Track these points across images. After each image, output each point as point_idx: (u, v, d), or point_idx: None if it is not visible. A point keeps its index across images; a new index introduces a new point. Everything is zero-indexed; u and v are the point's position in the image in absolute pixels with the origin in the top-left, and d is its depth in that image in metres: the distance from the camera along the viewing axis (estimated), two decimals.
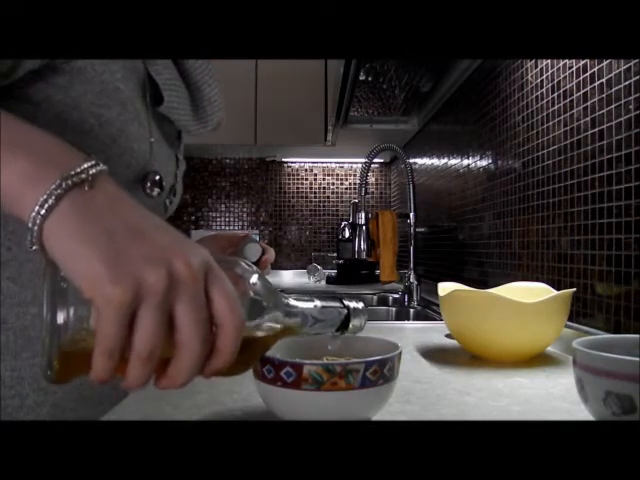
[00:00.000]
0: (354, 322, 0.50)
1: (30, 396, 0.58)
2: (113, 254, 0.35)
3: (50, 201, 0.35)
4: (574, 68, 0.95)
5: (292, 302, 0.46)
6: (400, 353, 0.50)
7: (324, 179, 2.98)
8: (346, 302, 0.50)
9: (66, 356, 0.37)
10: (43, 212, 0.35)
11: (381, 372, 0.47)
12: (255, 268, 0.45)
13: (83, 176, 0.36)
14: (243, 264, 0.44)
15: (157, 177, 0.65)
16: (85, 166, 0.37)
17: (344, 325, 0.50)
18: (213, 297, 0.37)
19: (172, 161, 0.72)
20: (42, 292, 0.39)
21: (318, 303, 0.48)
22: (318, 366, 0.45)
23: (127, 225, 0.36)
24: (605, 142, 0.85)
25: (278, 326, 0.45)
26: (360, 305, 0.51)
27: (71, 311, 0.38)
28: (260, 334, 0.44)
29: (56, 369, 0.37)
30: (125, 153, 0.60)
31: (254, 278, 0.44)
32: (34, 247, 0.36)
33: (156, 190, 0.65)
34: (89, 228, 0.35)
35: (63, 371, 0.38)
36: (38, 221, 0.35)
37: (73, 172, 0.36)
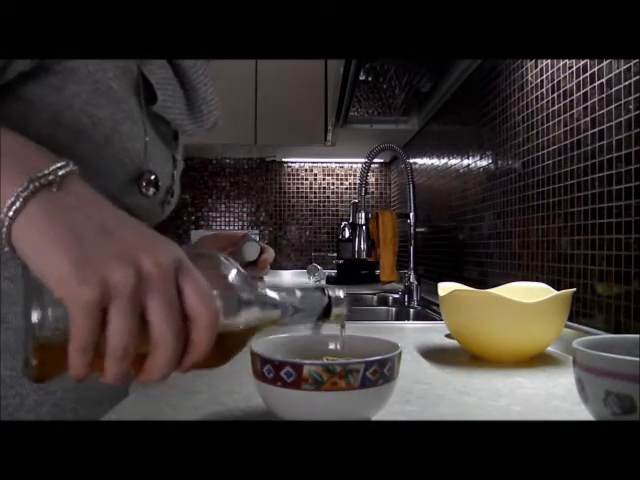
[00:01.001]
0: (335, 311, 0.50)
1: (30, 395, 0.58)
2: (81, 254, 0.35)
3: (17, 203, 0.35)
4: (574, 68, 0.95)
5: (271, 293, 0.46)
6: (400, 353, 0.50)
7: (324, 179, 2.98)
8: (327, 291, 0.50)
9: (43, 354, 0.38)
10: (11, 214, 0.35)
11: (381, 372, 0.47)
12: (233, 261, 0.45)
13: (51, 177, 0.37)
14: (222, 259, 0.45)
15: (152, 177, 0.64)
16: (53, 167, 0.37)
17: (325, 314, 0.49)
18: (185, 292, 0.37)
19: (169, 161, 0.72)
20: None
21: (298, 293, 0.48)
22: (318, 366, 0.45)
23: (96, 225, 0.37)
24: (605, 142, 0.85)
25: (257, 318, 0.44)
26: (341, 293, 0.50)
27: (48, 310, 0.38)
28: (238, 327, 0.43)
29: (34, 366, 0.38)
30: (119, 152, 0.60)
31: (232, 272, 0.44)
32: (5, 248, 0.36)
33: (152, 190, 0.64)
34: (57, 229, 0.36)
35: (42, 369, 0.38)
36: (6, 223, 0.36)
37: (41, 174, 0.36)
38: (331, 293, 0.50)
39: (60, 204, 0.37)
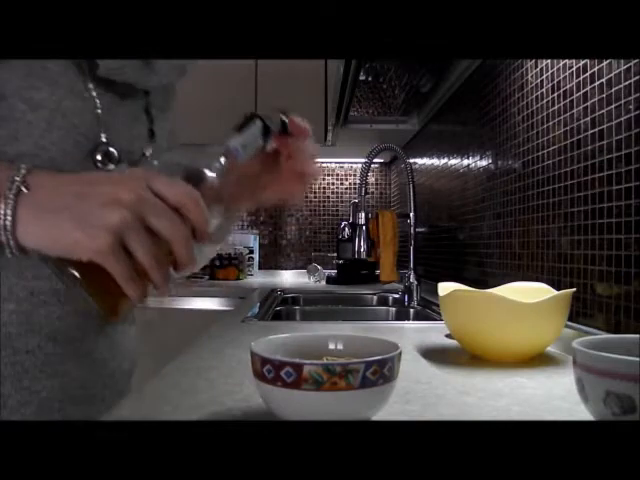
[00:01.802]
0: (271, 124, 0.54)
1: (13, 396, 0.57)
2: (77, 221, 0.43)
3: (9, 218, 0.43)
4: (574, 68, 0.95)
5: (215, 148, 0.52)
6: (400, 353, 0.50)
7: (324, 179, 2.98)
8: (254, 117, 0.55)
9: (101, 300, 0.47)
10: (9, 227, 0.43)
11: (381, 372, 0.47)
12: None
13: (17, 184, 0.44)
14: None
15: (109, 149, 0.62)
16: (13, 178, 0.44)
17: (266, 133, 0.55)
18: (163, 194, 0.44)
19: (138, 132, 0.68)
20: (19, 288, 0.53)
21: (237, 136, 0.55)
22: (318, 366, 0.45)
23: (71, 194, 0.44)
24: (605, 142, 0.85)
25: (223, 167, 0.51)
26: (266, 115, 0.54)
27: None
28: (216, 188, 0.51)
29: (103, 311, 0.47)
30: (68, 132, 0.58)
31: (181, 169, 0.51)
32: (16, 253, 0.44)
33: (111, 165, 0.62)
34: (49, 216, 0.44)
35: (109, 310, 0.48)
36: (11, 238, 0.44)
37: (7, 188, 0.43)
38: (260, 114, 0.55)
39: (38, 198, 0.44)
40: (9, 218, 0.43)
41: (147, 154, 0.69)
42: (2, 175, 0.44)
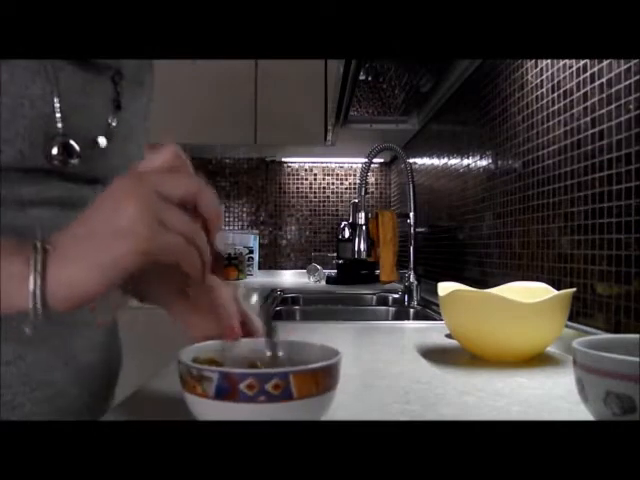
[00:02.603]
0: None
1: None
2: (107, 236, 0.42)
3: (39, 281, 0.41)
4: (574, 68, 0.95)
5: None
6: (288, 372, 0.43)
7: (324, 179, 2.98)
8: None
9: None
10: (39, 288, 0.41)
11: (241, 387, 0.42)
12: None
13: (38, 244, 0.42)
14: None
15: (68, 141, 0.57)
16: (35, 245, 0.42)
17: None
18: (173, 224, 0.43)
19: (101, 105, 0.62)
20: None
21: None
22: (184, 366, 0.45)
23: (94, 232, 0.42)
24: (605, 142, 0.85)
25: None
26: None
27: None
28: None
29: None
30: (33, 122, 0.54)
31: None
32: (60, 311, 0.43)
33: (71, 160, 0.57)
34: (78, 255, 0.42)
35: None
36: (39, 301, 0.42)
37: (33, 258, 0.42)
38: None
39: (62, 251, 0.42)
40: (38, 282, 0.41)
41: (113, 124, 0.63)
42: (22, 242, 0.43)
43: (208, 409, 0.44)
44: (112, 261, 0.42)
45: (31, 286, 0.41)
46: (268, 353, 0.55)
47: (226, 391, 0.42)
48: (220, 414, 0.43)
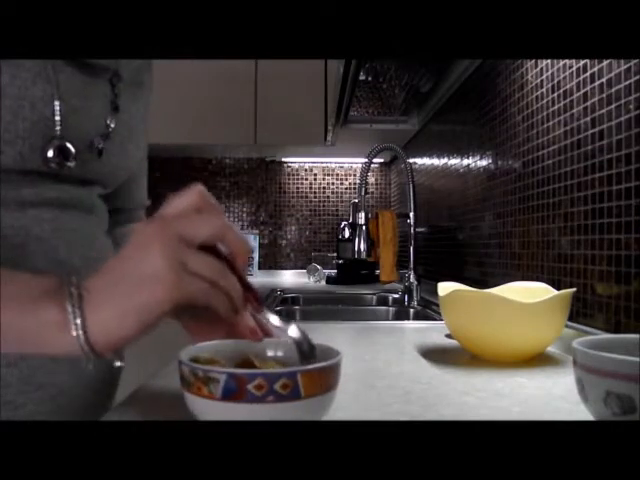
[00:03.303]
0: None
1: None
2: (139, 280, 0.42)
3: (79, 320, 0.41)
4: (574, 68, 0.95)
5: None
6: (296, 372, 0.43)
7: (324, 179, 2.98)
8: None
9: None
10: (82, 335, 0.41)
11: (249, 388, 0.41)
12: None
13: (74, 290, 0.42)
14: None
15: (65, 144, 0.57)
16: (71, 282, 0.42)
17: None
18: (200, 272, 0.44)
19: (100, 107, 0.63)
20: None
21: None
22: (186, 367, 0.44)
23: (123, 279, 0.43)
24: (605, 142, 0.85)
25: None
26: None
27: None
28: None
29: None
30: (34, 124, 0.54)
31: None
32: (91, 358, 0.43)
33: (68, 163, 0.57)
34: (114, 309, 0.42)
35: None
36: (85, 346, 0.42)
37: (70, 304, 0.41)
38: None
39: (95, 291, 0.42)
40: (80, 330, 0.41)
41: (112, 126, 0.63)
42: (56, 280, 0.43)
43: (214, 410, 0.43)
44: (143, 306, 0.42)
45: (74, 333, 0.41)
46: (271, 353, 0.54)
47: (233, 392, 0.42)
48: (226, 415, 0.43)
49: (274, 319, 0.50)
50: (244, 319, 0.57)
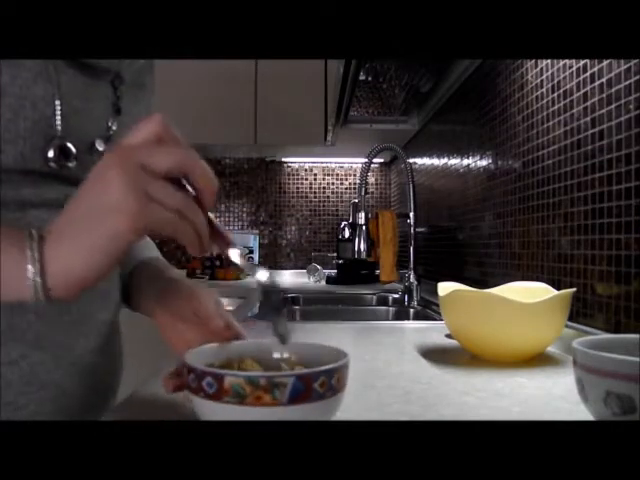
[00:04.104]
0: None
1: None
2: (100, 213, 0.41)
3: (37, 269, 0.41)
4: (574, 68, 0.95)
5: None
6: (342, 365, 0.45)
7: (324, 179, 2.98)
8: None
9: None
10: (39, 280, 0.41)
11: (315, 386, 0.42)
12: None
13: (34, 232, 0.42)
14: None
15: (66, 144, 0.57)
16: (31, 232, 0.42)
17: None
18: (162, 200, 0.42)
19: (102, 109, 0.62)
20: None
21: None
22: (239, 377, 0.41)
23: (86, 212, 0.42)
24: (605, 142, 0.85)
25: None
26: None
27: None
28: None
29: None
30: (35, 123, 0.54)
31: None
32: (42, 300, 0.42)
33: (69, 163, 0.57)
34: (75, 245, 0.42)
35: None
36: (40, 288, 0.42)
37: (29, 245, 0.42)
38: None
39: (59, 230, 0.42)
40: (37, 269, 0.41)
41: (113, 128, 0.63)
42: (12, 236, 0.43)
43: (277, 416, 0.41)
44: (107, 238, 0.41)
45: (30, 274, 0.41)
46: (277, 355, 0.54)
47: (301, 392, 0.41)
48: (292, 418, 0.42)
49: (238, 258, 0.48)
50: (217, 320, 0.58)
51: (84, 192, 0.43)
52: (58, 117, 0.56)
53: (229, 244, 0.48)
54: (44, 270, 0.41)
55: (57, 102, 0.55)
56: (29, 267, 0.41)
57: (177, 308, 0.61)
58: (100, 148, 0.62)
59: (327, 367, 0.43)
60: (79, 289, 0.43)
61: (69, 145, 0.57)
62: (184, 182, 0.44)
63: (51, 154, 0.55)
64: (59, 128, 0.56)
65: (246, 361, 0.52)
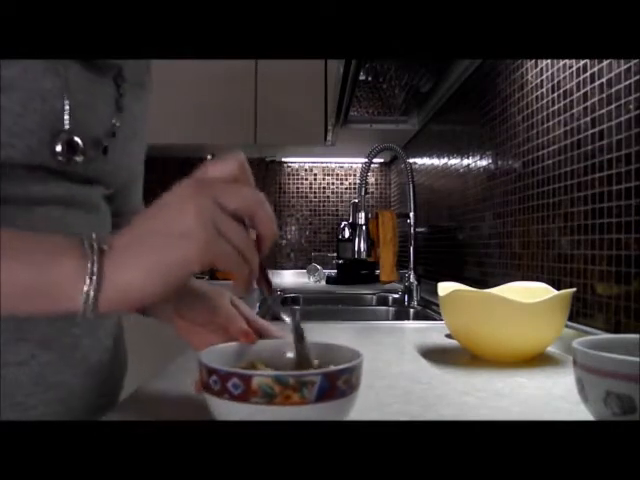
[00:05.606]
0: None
1: (6, 414, 0.53)
2: (168, 237, 0.41)
3: (95, 277, 0.40)
4: (574, 68, 0.95)
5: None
6: (361, 363, 0.46)
7: (324, 179, 2.98)
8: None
9: None
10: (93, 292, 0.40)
11: (339, 384, 0.43)
12: None
13: (94, 244, 0.41)
14: None
15: (74, 138, 0.56)
16: (92, 241, 0.41)
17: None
18: (233, 208, 0.43)
19: (105, 106, 0.63)
20: None
21: None
22: (268, 378, 0.41)
23: (154, 234, 0.42)
24: (605, 142, 0.85)
25: None
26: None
27: None
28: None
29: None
30: (44, 118, 0.54)
31: None
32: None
33: (76, 158, 0.57)
34: (140, 254, 0.42)
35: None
36: (91, 304, 0.40)
37: (90, 259, 0.40)
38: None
39: (122, 249, 0.42)
40: (94, 285, 0.40)
41: (117, 125, 0.64)
42: (77, 241, 0.42)
43: (304, 415, 0.42)
44: (173, 263, 0.41)
45: (86, 288, 0.40)
46: (289, 355, 0.54)
47: (327, 390, 0.42)
48: (319, 417, 0.42)
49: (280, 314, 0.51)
50: (237, 322, 0.58)
51: (154, 214, 0.43)
52: (66, 111, 0.56)
53: (271, 293, 0.51)
54: (100, 287, 0.40)
55: (65, 96, 0.55)
56: (87, 280, 0.40)
57: (195, 316, 0.61)
58: (105, 144, 0.62)
59: (349, 365, 0.44)
60: (127, 308, 0.43)
61: (76, 139, 0.57)
62: (247, 223, 0.45)
63: (59, 148, 0.55)
64: (67, 122, 0.56)
65: (256, 365, 0.52)
